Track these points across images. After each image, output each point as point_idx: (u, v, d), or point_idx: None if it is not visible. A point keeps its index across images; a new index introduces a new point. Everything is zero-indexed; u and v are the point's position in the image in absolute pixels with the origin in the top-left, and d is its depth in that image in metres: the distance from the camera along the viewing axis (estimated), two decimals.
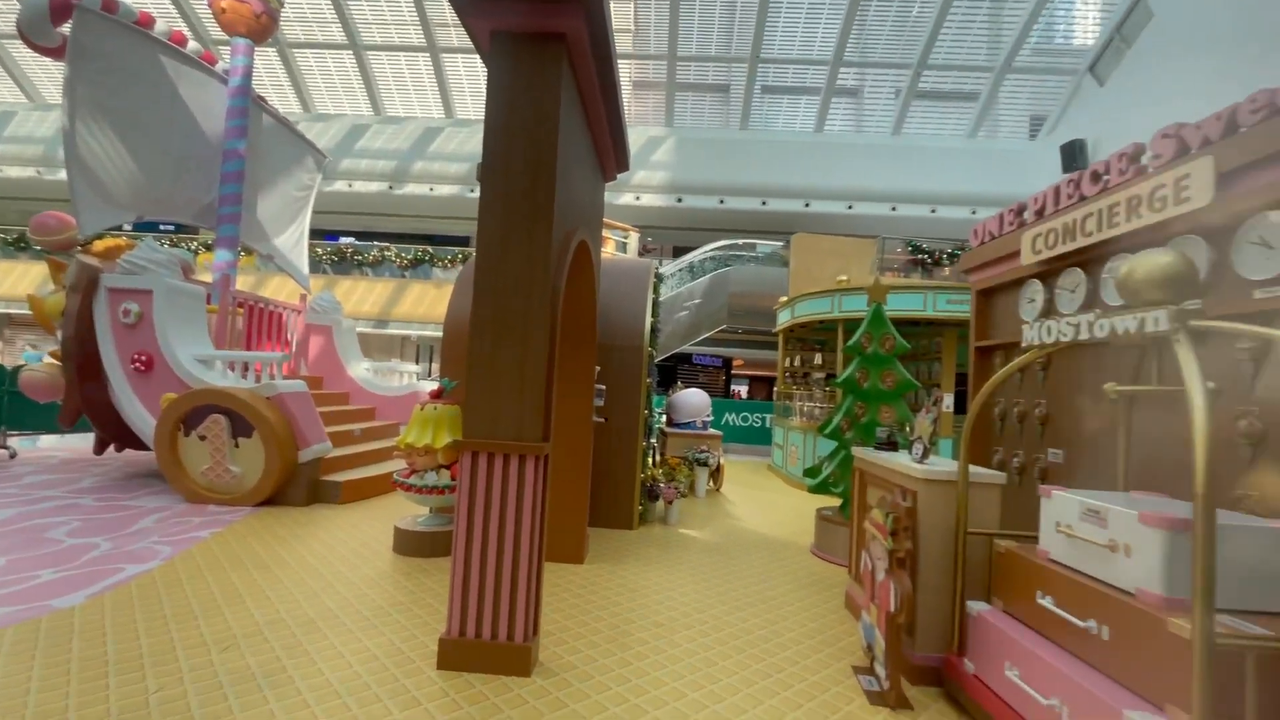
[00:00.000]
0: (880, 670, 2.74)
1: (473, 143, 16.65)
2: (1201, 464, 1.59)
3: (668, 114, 16.86)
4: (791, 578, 4.44)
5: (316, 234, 17.11)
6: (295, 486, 5.75)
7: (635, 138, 16.60)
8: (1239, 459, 2.45)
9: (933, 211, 15.72)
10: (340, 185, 16.99)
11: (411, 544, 4.43)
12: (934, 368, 8.61)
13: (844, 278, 8.58)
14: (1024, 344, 2.51)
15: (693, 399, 8.14)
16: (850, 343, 4.99)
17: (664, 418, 8.62)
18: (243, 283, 14.04)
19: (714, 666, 2.94)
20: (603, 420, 5.06)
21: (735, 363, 22.67)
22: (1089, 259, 3.39)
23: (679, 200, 16.59)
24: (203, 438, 5.59)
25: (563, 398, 4.37)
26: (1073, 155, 13.01)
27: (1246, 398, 2.45)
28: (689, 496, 7.32)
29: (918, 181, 15.71)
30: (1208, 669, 1.54)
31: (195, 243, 15.94)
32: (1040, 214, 3.75)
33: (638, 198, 16.67)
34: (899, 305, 7.71)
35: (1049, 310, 3.77)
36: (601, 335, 5.44)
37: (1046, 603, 2.24)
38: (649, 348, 5.79)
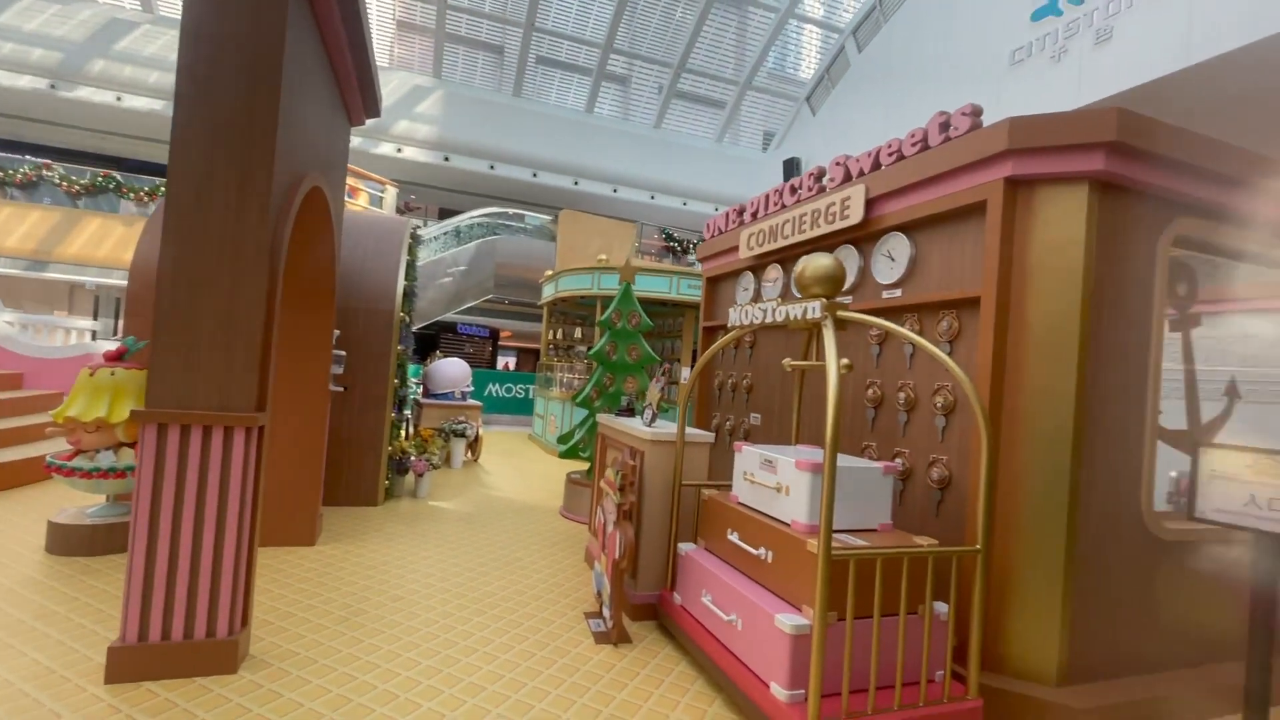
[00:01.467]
0: (607, 612, 3.05)
1: None
2: (831, 421, 2.08)
3: (436, 64, 15.70)
4: (539, 539, 4.64)
5: None
6: None
7: (398, 82, 15.16)
8: (866, 418, 3.25)
9: (684, 204, 17.35)
10: None
11: (76, 541, 3.58)
12: (676, 344, 9.62)
13: (603, 257, 9.05)
14: (728, 325, 2.97)
15: (451, 369, 7.89)
16: (602, 318, 5.32)
17: (421, 388, 8.21)
18: None
19: (453, 631, 2.96)
20: (342, 389, 4.63)
21: (503, 334, 22.41)
22: (787, 257, 4.12)
23: (446, 159, 15.66)
24: None
25: (291, 363, 3.90)
26: (791, 170, 15.46)
27: (873, 372, 3.26)
28: (443, 469, 7.13)
29: (673, 175, 17.16)
30: (826, 575, 2.05)
31: None
32: (755, 216, 4.43)
33: (399, 150, 15.32)
34: (649, 287, 8.42)
35: (757, 298, 4.49)
36: (344, 296, 4.96)
37: (734, 538, 2.73)
38: (401, 313, 5.45)
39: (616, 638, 2.93)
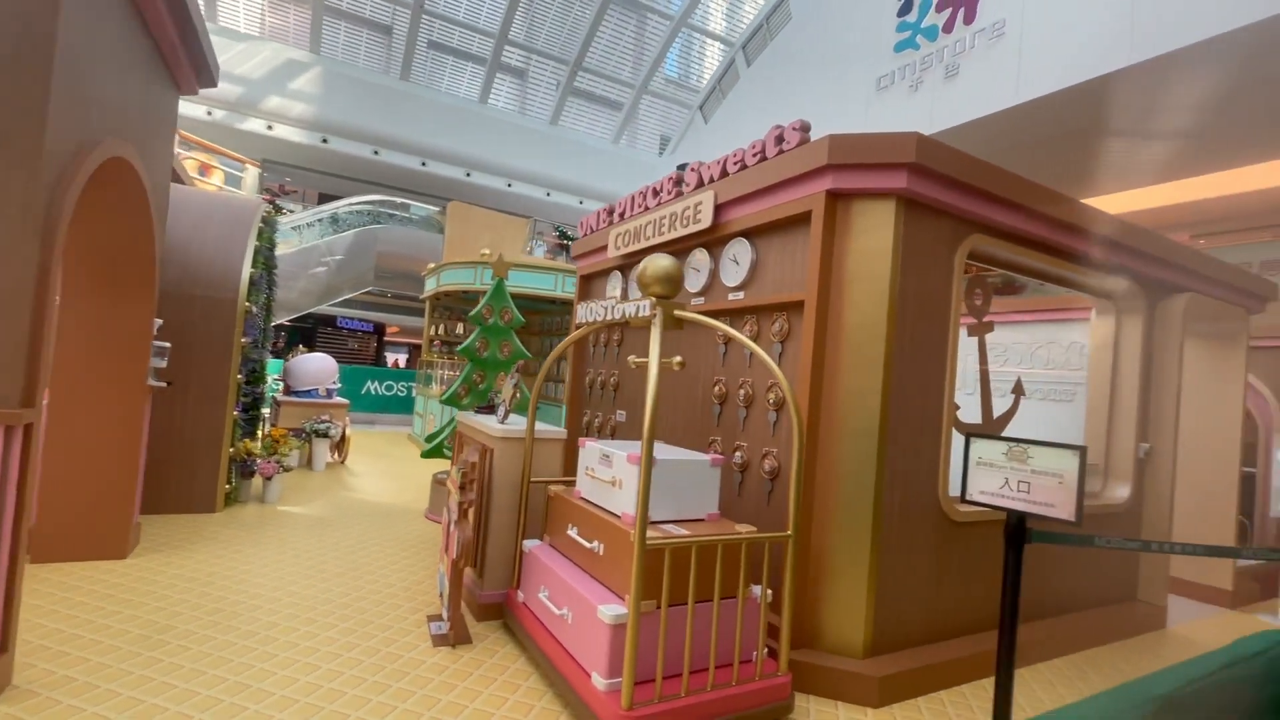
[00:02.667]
0: (447, 613, 2.96)
1: None
2: (649, 415, 2.14)
3: (314, 38, 14.61)
4: (397, 542, 4.44)
5: None
6: None
7: (269, 54, 13.97)
8: (712, 414, 3.39)
9: (580, 203, 17.31)
10: None
11: None
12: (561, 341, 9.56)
13: (486, 251, 8.80)
14: (577, 323, 2.98)
15: (313, 364, 7.38)
16: (472, 313, 5.18)
17: (282, 385, 7.60)
18: None
19: (274, 643, 2.75)
20: (165, 384, 4.18)
21: (390, 329, 21.29)
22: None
23: (324, 141, 14.63)
24: None
25: (96, 354, 3.48)
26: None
27: (720, 370, 3.40)
28: (302, 471, 6.66)
29: (569, 173, 17.07)
30: (641, 564, 2.10)
31: None
32: (622, 216, 4.49)
33: (270, 127, 14.11)
34: (533, 283, 8.32)
35: (625, 295, 4.56)
36: (178, 283, 4.50)
37: (573, 533, 2.75)
38: (248, 302, 5.01)
39: (455, 639, 2.85)
